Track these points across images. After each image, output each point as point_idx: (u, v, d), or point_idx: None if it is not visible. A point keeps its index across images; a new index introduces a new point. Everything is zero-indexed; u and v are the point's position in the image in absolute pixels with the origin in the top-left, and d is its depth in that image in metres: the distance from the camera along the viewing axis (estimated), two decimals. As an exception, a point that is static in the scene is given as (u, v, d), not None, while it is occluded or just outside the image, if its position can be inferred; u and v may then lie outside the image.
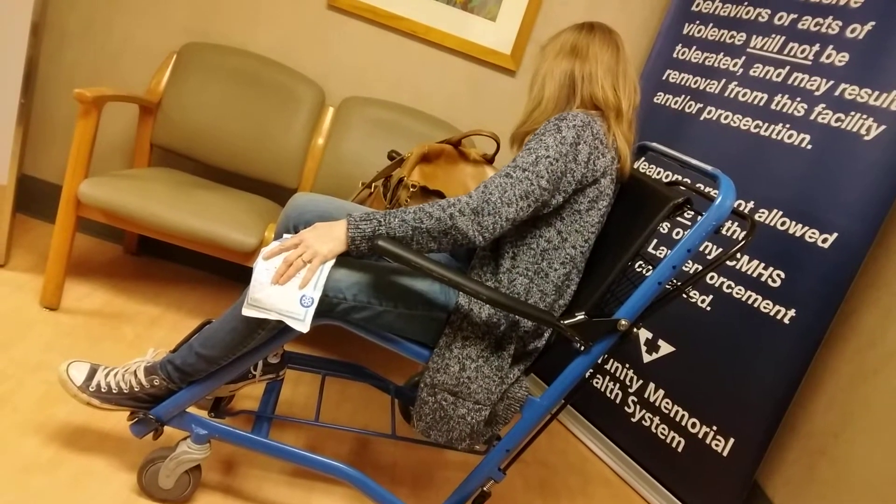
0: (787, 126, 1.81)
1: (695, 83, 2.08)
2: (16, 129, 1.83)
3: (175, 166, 2.36)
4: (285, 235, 1.22)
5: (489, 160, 1.77)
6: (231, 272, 2.48)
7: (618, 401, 2.08)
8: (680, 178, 2.04)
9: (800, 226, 1.73)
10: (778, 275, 1.75)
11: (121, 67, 2.29)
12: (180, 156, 2.19)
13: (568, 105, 1.31)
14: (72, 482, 1.30)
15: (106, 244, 2.42)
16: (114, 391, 1.26)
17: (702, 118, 2.02)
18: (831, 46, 1.77)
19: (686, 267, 1.95)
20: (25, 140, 1.91)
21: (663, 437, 1.94)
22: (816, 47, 1.80)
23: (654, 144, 1.46)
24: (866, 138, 1.64)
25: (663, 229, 2.06)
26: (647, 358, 2.01)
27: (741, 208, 1.85)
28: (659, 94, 2.18)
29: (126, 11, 2.24)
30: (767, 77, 1.89)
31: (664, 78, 2.18)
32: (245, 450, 1.54)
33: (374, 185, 1.73)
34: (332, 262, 1.17)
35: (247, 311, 1.14)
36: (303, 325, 1.13)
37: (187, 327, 2.01)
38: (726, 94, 1.97)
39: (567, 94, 1.31)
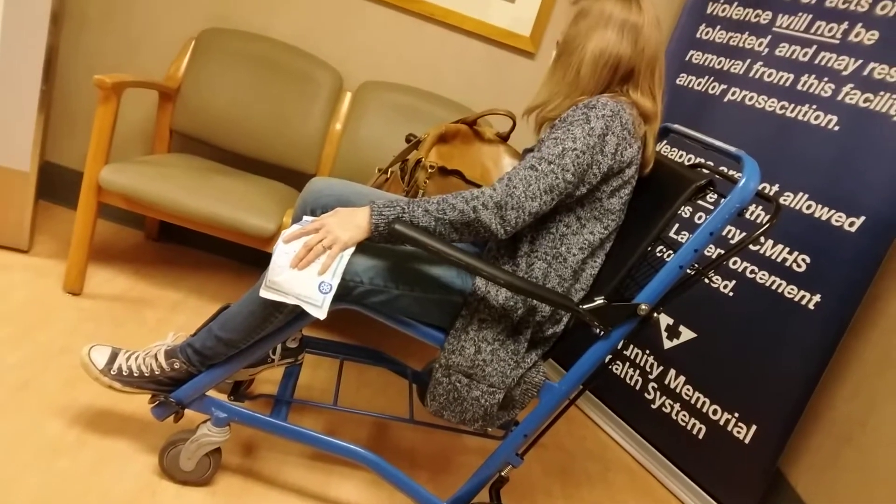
0: (814, 107, 1.76)
1: (719, 64, 2.03)
2: (37, 117, 1.85)
3: (194, 152, 2.37)
4: (305, 218, 1.22)
5: (504, 138, 1.76)
6: (250, 257, 2.49)
7: (638, 387, 2.06)
8: (703, 160, 2.00)
9: (826, 209, 1.69)
10: (803, 259, 1.71)
11: (140, 54, 2.30)
12: (199, 142, 2.20)
13: (603, 87, 1.25)
14: (95, 464, 1.32)
15: (127, 230, 2.44)
16: (135, 374, 1.27)
17: (726, 100, 1.97)
18: (860, 24, 1.71)
19: (708, 251, 1.92)
20: (47, 127, 1.93)
21: (684, 424, 1.92)
22: (845, 25, 1.75)
23: (677, 126, 1.43)
24: (895, 119, 1.60)
25: (685, 213, 2.03)
26: (667, 344, 1.98)
27: (766, 191, 1.81)
28: (682, 75, 2.14)
29: (144, -3, 2.25)
30: (794, 57, 1.84)
31: (687, 59, 2.14)
32: (264, 433, 1.55)
33: (390, 170, 1.73)
34: (352, 249, 1.16)
35: (264, 294, 1.14)
36: (320, 312, 1.13)
37: (207, 312, 2.03)
38: (751, 75, 1.93)
39: (606, 78, 1.23)
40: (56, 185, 2.41)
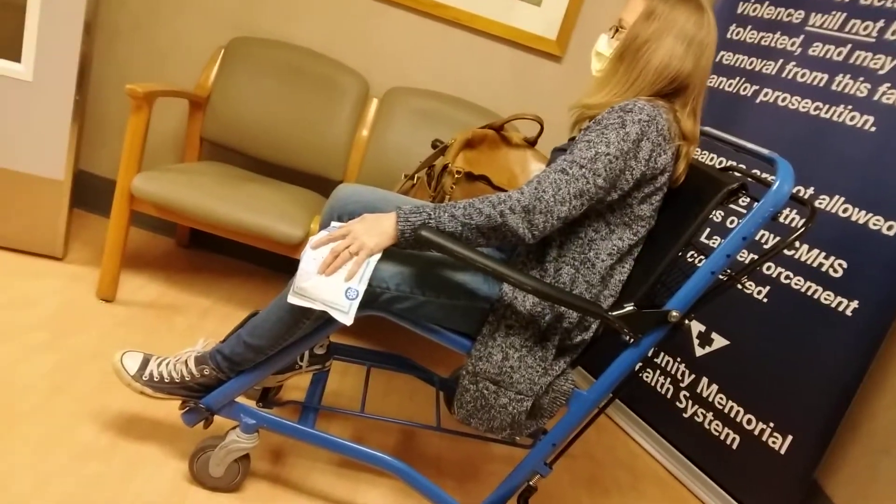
0: (850, 107, 1.72)
1: (750, 64, 2.00)
2: (71, 126, 1.89)
3: (224, 160, 2.40)
4: (332, 224, 1.22)
5: (531, 143, 1.75)
6: (279, 264, 2.51)
7: (669, 396, 2.02)
8: (735, 163, 1.96)
9: (863, 213, 1.65)
10: (840, 264, 1.67)
11: (171, 63, 2.34)
12: (229, 150, 2.23)
13: (653, 94, 1.21)
14: (126, 469, 1.33)
15: (159, 237, 2.48)
16: (166, 380, 1.28)
17: (758, 101, 1.93)
18: (897, 22, 1.67)
19: (741, 256, 1.89)
20: (80, 136, 1.97)
21: (717, 434, 1.88)
22: (880, 23, 1.70)
23: (708, 129, 1.40)
24: (937, 119, 1.55)
25: (717, 217, 1.99)
26: (699, 351, 1.95)
27: (800, 194, 1.77)
28: (712, 76, 2.10)
29: (174, 8, 2.28)
30: (828, 56, 1.80)
31: (718, 60, 2.10)
32: (293, 440, 1.55)
33: (416, 176, 1.72)
34: (379, 255, 1.16)
35: (292, 299, 1.14)
36: (347, 318, 1.13)
37: (237, 318, 2.04)
38: (784, 75, 1.89)
39: (660, 88, 1.20)
40: (89, 193, 2.46)
